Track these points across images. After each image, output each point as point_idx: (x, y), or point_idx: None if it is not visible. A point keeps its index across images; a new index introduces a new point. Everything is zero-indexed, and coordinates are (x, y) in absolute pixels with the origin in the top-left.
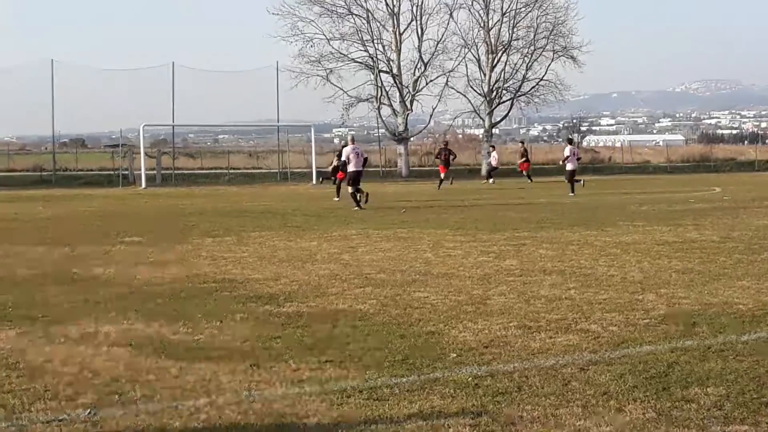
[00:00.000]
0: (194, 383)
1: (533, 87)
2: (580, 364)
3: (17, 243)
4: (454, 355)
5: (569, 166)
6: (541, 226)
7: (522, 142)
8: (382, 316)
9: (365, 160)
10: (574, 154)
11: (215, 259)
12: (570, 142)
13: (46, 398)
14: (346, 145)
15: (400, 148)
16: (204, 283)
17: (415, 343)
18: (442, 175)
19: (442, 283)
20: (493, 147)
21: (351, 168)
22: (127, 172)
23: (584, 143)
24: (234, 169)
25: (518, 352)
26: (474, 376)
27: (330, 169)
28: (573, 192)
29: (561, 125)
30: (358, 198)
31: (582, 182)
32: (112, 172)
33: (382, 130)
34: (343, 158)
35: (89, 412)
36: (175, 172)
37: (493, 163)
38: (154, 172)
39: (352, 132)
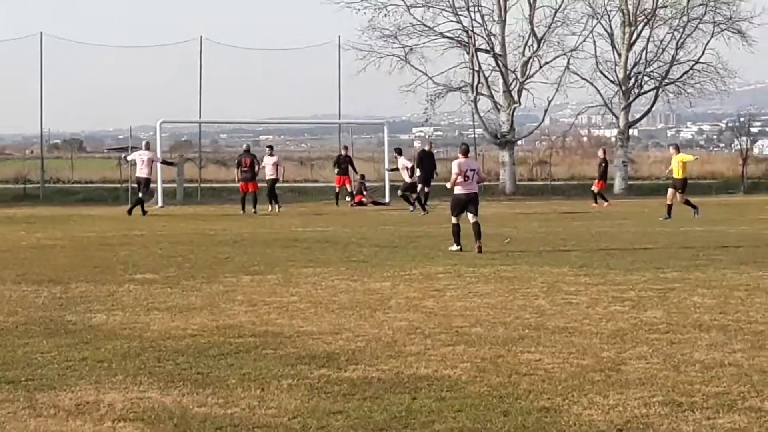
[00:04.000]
0: None
1: (686, 72)
2: None
3: None
4: None
5: (408, 179)
6: (695, 264)
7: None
8: (479, 385)
9: (151, 164)
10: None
11: (254, 304)
12: (399, 152)
13: None
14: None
15: (504, 155)
16: (240, 336)
17: (523, 423)
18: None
19: (560, 340)
20: (399, 152)
21: (138, 174)
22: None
23: (755, 149)
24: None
25: None
26: None
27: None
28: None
29: (724, 125)
30: (142, 204)
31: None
32: (119, 186)
33: (479, 130)
34: (130, 158)
35: None
36: (202, 185)
37: (406, 177)
38: (174, 185)
39: (150, 138)
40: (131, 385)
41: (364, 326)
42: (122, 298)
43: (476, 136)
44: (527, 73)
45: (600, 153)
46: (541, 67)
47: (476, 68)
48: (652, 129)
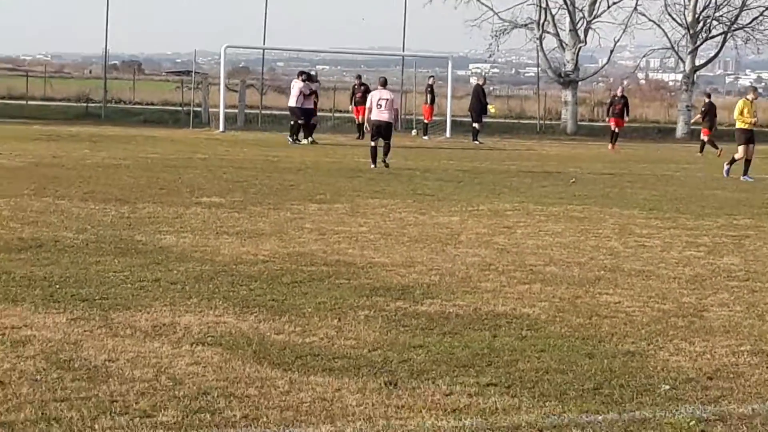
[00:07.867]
0: (311, 404)
1: (755, 18)
2: None
3: (60, 196)
4: (667, 387)
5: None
6: (767, 213)
7: None
8: (559, 325)
9: None
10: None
11: (324, 233)
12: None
13: (114, 412)
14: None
15: (567, 95)
16: (312, 265)
17: (609, 367)
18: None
19: (638, 284)
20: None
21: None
22: (200, 110)
23: None
24: (339, 111)
25: (757, 388)
26: (698, 419)
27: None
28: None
29: None
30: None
31: None
32: (180, 108)
33: (538, 68)
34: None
35: None
36: (263, 111)
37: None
38: (235, 111)
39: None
40: (206, 309)
41: (436, 260)
42: (190, 220)
43: (538, 74)
44: (594, 12)
45: (618, 91)
46: (609, 6)
47: (543, 5)
48: (710, 75)
